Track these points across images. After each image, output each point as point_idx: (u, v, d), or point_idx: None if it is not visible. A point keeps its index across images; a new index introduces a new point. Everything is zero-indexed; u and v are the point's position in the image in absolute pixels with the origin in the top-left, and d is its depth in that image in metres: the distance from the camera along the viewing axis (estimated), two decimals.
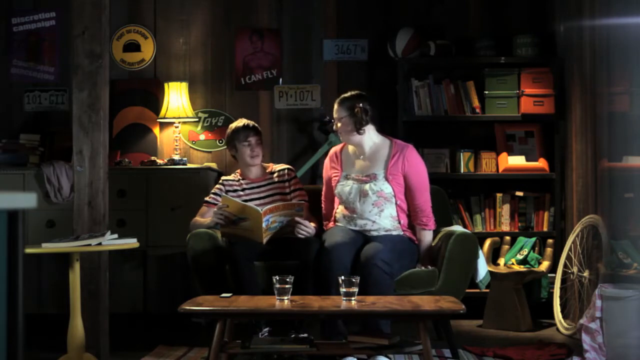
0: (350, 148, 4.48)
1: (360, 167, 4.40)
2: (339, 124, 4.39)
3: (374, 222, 4.29)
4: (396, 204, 4.30)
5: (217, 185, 4.67)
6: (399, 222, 4.32)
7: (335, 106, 4.42)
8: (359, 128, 4.32)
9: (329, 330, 4.04)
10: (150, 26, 5.88)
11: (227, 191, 4.60)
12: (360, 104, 4.33)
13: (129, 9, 5.88)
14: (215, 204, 4.50)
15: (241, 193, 4.59)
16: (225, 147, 5.75)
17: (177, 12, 5.88)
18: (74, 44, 4.19)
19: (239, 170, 4.73)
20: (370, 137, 4.39)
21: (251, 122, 4.65)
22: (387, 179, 4.29)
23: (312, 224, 4.34)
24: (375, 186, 4.28)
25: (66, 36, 5.72)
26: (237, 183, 4.64)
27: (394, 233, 4.31)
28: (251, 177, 4.65)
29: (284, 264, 4.25)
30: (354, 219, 4.33)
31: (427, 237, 4.38)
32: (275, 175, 4.66)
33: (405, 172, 4.32)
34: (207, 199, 4.62)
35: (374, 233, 4.30)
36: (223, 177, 4.73)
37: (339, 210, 4.43)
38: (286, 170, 4.68)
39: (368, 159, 4.40)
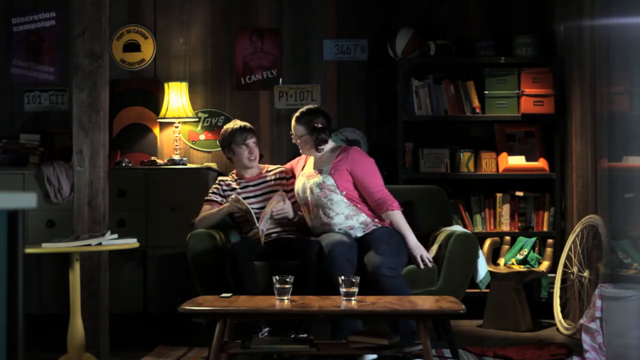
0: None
1: (311, 167, 4.51)
2: (298, 141, 4.46)
3: (330, 208, 4.33)
4: (342, 193, 4.33)
5: (215, 185, 4.70)
6: (356, 206, 4.35)
7: (293, 123, 4.50)
8: (318, 145, 4.41)
9: (342, 331, 4.02)
10: (150, 26, 5.87)
11: (224, 190, 4.63)
12: (319, 123, 4.41)
13: (129, 9, 5.88)
14: (216, 201, 4.58)
15: (240, 191, 4.61)
16: None
17: (177, 12, 5.88)
18: (74, 44, 4.19)
19: (234, 171, 4.76)
20: (327, 148, 4.51)
21: (247, 124, 4.68)
22: (330, 173, 4.36)
23: (287, 202, 4.42)
24: (319, 179, 4.37)
25: (66, 36, 5.72)
26: (234, 183, 4.67)
27: (357, 218, 4.33)
28: (247, 177, 4.68)
29: (284, 264, 4.25)
30: (316, 216, 4.38)
31: (399, 216, 4.35)
32: (272, 173, 4.69)
33: (351, 169, 4.38)
34: (207, 198, 4.65)
35: (336, 221, 4.31)
36: (220, 178, 4.76)
37: (306, 219, 4.50)
38: (284, 169, 4.71)
39: (317, 161, 4.50)
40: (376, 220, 4.37)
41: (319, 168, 4.43)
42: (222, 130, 4.71)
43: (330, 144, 4.51)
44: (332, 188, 4.33)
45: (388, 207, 4.32)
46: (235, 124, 4.67)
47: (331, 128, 4.51)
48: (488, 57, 5.63)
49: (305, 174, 4.49)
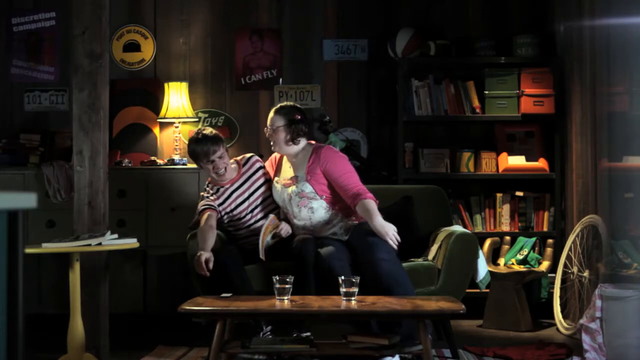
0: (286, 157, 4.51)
1: (287, 172, 4.44)
2: (273, 133, 4.37)
3: (309, 218, 4.31)
4: (322, 198, 4.31)
5: (204, 195, 4.52)
6: (335, 209, 4.32)
7: (271, 114, 4.41)
8: (294, 139, 4.35)
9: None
10: (150, 26, 5.87)
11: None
12: (299, 117, 4.36)
13: (129, 9, 5.88)
14: (215, 209, 4.41)
15: (229, 202, 4.47)
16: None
17: (177, 12, 5.88)
18: (74, 44, 4.19)
19: (209, 180, 4.56)
20: (300, 147, 4.42)
21: (209, 132, 4.39)
22: (306, 180, 4.31)
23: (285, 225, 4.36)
24: (297, 188, 4.32)
25: (66, 36, 5.72)
26: (217, 194, 4.48)
27: (338, 224, 4.31)
28: (226, 183, 4.49)
29: (280, 265, 4.22)
30: (298, 226, 4.36)
31: (373, 204, 4.20)
32: (249, 166, 4.54)
33: (324, 169, 4.32)
34: (205, 204, 4.45)
35: (319, 232, 4.30)
36: (202, 193, 4.56)
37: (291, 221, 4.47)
38: (257, 158, 4.59)
39: (293, 164, 4.43)
40: (353, 218, 4.35)
41: (294, 174, 4.36)
42: (188, 141, 4.48)
43: (302, 142, 4.43)
44: (311, 195, 4.30)
45: (363, 197, 4.20)
46: (197, 135, 4.39)
47: (309, 128, 4.43)
48: (488, 57, 5.63)
49: (281, 181, 4.41)
